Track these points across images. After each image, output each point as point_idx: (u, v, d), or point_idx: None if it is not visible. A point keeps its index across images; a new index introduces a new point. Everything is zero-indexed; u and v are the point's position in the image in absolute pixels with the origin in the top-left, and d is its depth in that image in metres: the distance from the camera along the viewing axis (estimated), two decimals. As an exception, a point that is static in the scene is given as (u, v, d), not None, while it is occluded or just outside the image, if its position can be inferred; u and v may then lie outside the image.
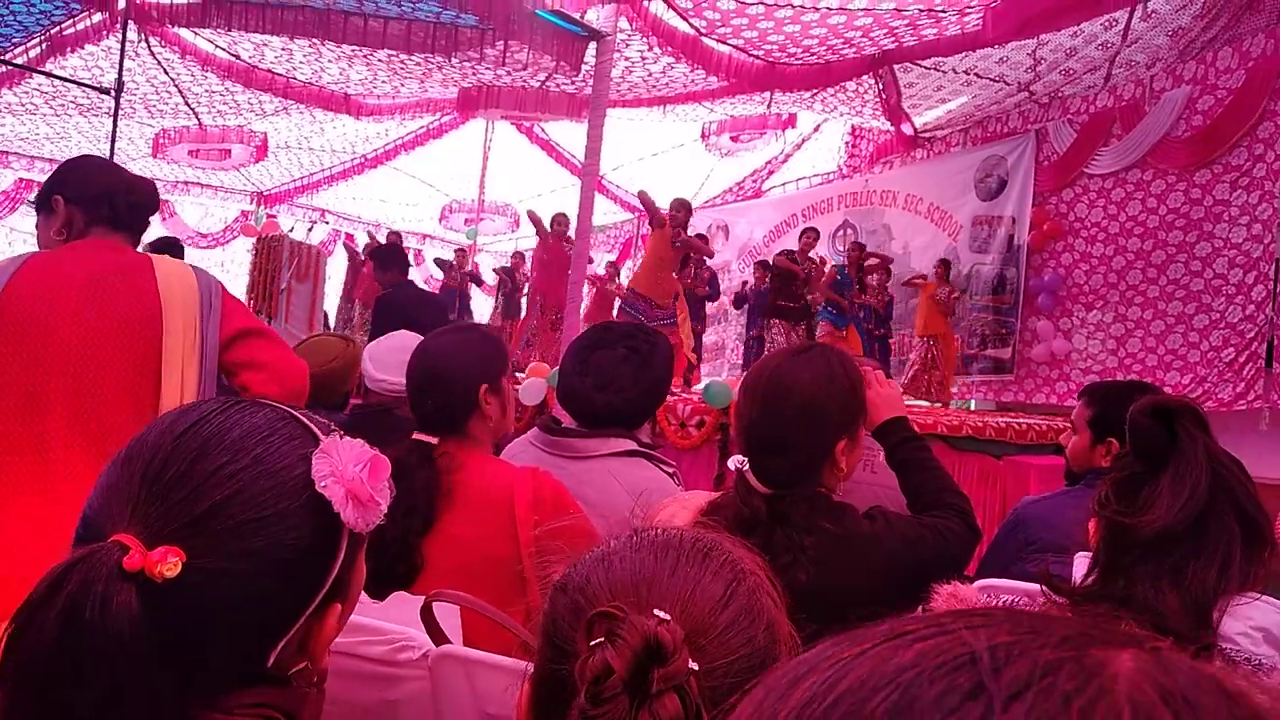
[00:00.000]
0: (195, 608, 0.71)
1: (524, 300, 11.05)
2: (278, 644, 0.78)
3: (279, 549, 0.75)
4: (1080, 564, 1.31)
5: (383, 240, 11.31)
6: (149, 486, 0.73)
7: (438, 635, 1.33)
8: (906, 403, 7.57)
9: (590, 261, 9.18)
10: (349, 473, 0.78)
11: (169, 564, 0.68)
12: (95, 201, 2.01)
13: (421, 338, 1.96)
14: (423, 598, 1.32)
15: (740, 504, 1.51)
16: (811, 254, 9.13)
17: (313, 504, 0.77)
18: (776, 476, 1.50)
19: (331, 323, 11.14)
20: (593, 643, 0.63)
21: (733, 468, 1.53)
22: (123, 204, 2.02)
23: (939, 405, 8.58)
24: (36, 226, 2.07)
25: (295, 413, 0.83)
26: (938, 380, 8.90)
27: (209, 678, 0.74)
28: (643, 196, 7.28)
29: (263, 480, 0.75)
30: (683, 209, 7.71)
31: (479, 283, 14.06)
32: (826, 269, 9.24)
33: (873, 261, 9.49)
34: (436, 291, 11.98)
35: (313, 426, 0.83)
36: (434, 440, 1.76)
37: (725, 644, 0.67)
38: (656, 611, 0.65)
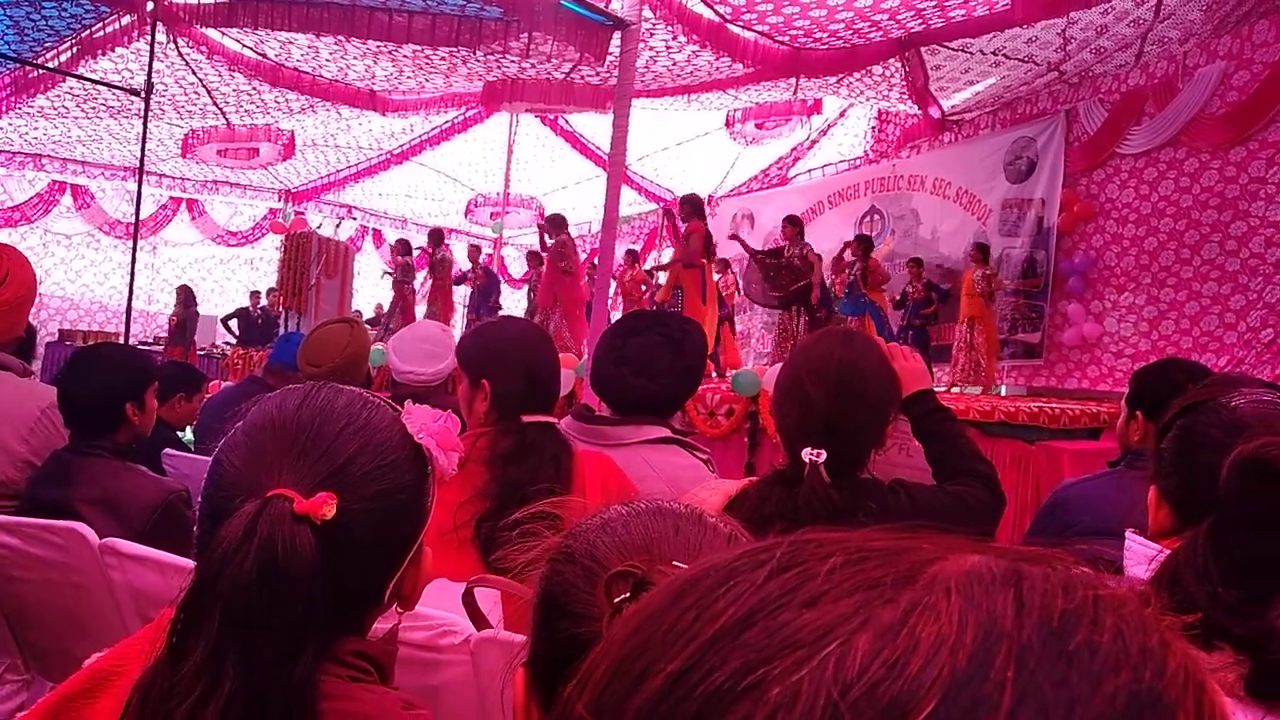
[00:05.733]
0: (345, 543, 0.83)
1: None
2: (394, 576, 0.92)
3: (398, 490, 0.89)
4: (1135, 546, 1.27)
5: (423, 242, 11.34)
6: (289, 449, 0.85)
7: (479, 620, 1.33)
8: (950, 391, 7.44)
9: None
10: (434, 427, 0.94)
11: (329, 506, 0.80)
12: None
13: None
14: (464, 584, 1.32)
15: (813, 498, 1.42)
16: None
17: (413, 453, 0.92)
18: (838, 463, 1.45)
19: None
20: (617, 600, 0.65)
21: (808, 460, 1.43)
22: None
23: (976, 391, 8.48)
24: None
25: (367, 392, 0.96)
26: (973, 362, 8.79)
27: (349, 609, 0.88)
28: None
29: (377, 436, 0.90)
30: (683, 204, 7.91)
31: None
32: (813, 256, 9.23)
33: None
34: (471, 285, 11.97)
35: (386, 400, 0.96)
36: None
37: None
38: (676, 563, 0.67)
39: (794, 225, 8.79)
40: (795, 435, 1.51)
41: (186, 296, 12.44)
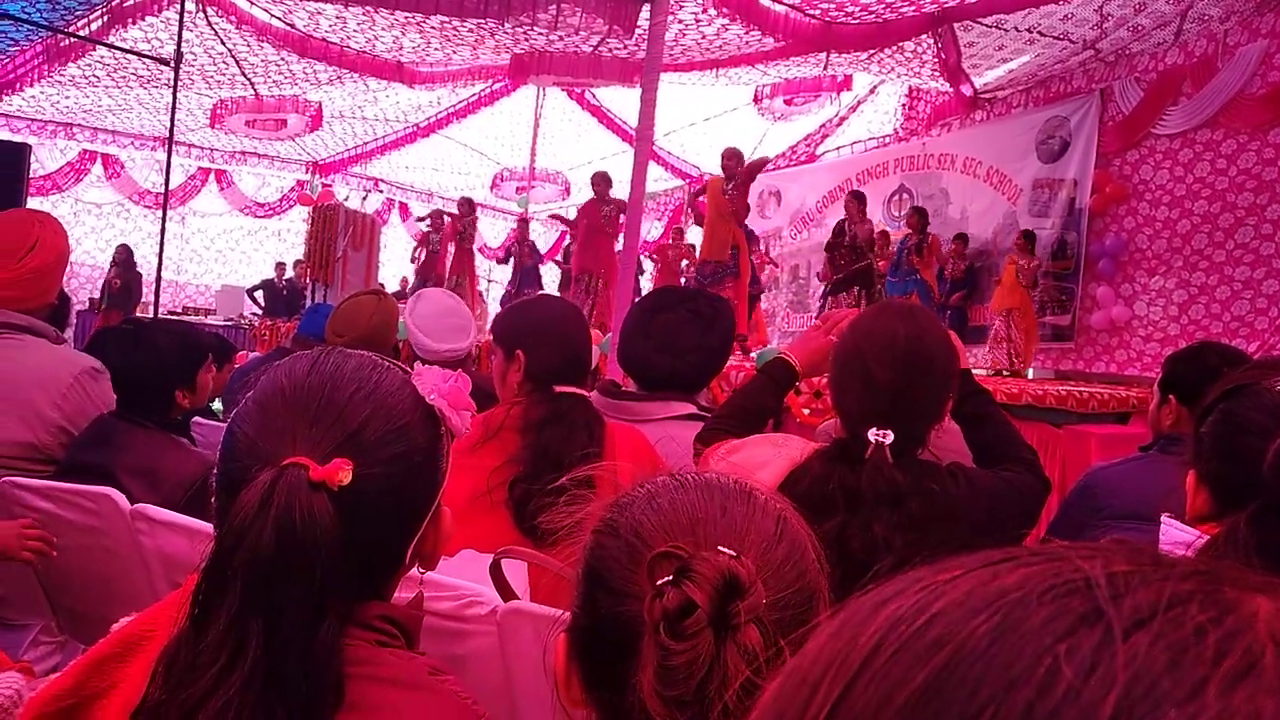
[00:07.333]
0: (363, 508, 0.83)
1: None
2: (414, 538, 0.93)
3: (412, 452, 0.89)
4: (1172, 531, 1.24)
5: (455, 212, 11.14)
6: (301, 416, 0.85)
7: (506, 592, 1.34)
8: (982, 374, 7.33)
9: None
10: (444, 387, 0.94)
11: (345, 472, 0.80)
12: None
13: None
14: (491, 555, 1.33)
15: (878, 479, 1.38)
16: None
17: (425, 415, 0.92)
18: (900, 442, 1.41)
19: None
20: (659, 582, 0.65)
21: (874, 440, 1.39)
22: None
23: (1006, 373, 8.37)
24: None
25: (375, 355, 0.97)
26: (1015, 351, 8.55)
27: (370, 574, 0.89)
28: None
29: (389, 399, 0.90)
30: (731, 158, 7.66)
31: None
32: (876, 232, 9.04)
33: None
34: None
35: (395, 362, 0.97)
36: None
37: (783, 576, 0.69)
38: (721, 548, 0.66)
39: (858, 201, 8.50)
40: (856, 413, 1.46)
41: (126, 256, 11.14)
